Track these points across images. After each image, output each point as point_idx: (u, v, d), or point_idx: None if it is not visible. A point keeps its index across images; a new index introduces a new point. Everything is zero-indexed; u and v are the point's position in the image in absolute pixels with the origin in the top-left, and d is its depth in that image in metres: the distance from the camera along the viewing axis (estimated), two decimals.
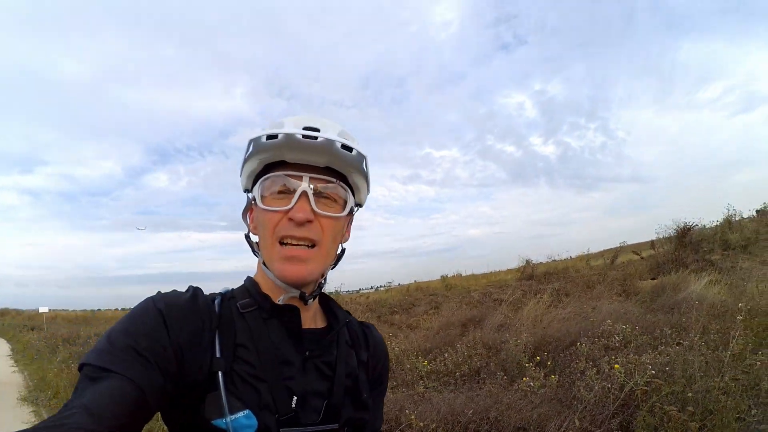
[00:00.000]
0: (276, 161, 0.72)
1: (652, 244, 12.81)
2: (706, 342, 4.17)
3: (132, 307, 0.65)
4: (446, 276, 16.53)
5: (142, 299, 0.66)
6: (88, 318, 31.75)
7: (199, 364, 0.64)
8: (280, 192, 0.71)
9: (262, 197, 0.72)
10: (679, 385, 3.33)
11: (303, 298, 0.74)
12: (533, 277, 13.47)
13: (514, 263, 15.88)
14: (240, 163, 0.77)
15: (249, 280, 0.79)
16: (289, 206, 0.69)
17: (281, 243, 0.70)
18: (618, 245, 15.91)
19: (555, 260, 15.69)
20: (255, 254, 0.78)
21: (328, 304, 0.85)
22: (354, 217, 0.83)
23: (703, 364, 3.60)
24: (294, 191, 0.70)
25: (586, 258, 15.74)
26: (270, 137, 0.69)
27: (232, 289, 0.78)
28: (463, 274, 17.42)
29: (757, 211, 12.67)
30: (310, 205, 0.69)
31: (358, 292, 19.30)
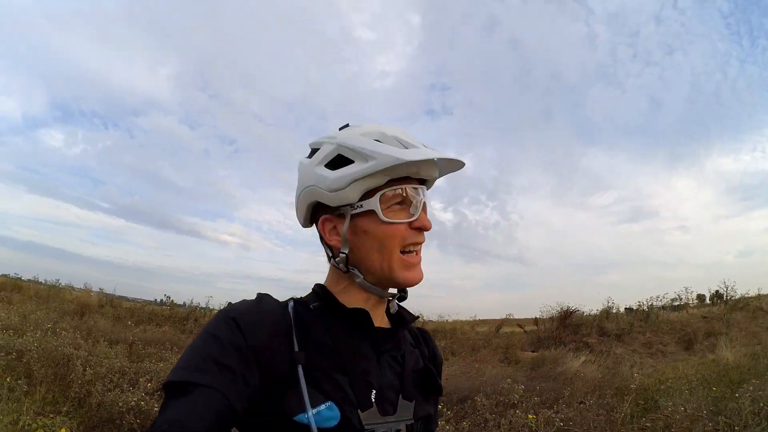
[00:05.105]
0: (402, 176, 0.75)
1: (535, 320, 13.98)
2: (600, 405, 4.47)
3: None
4: None
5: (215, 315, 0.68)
6: None
7: (278, 361, 0.65)
8: (398, 204, 0.74)
9: (383, 210, 0.74)
10: None
11: (400, 298, 0.82)
12: None
13: None
14: (346, 178, 0.73)
15: (319, 286, 0.81)
16: (415, 216, 0.75)
17: (402, 252, 0.74)
18: (504, 317, 16.98)
19: (445, 320, 16.20)
20: (344, 267, 0.76)
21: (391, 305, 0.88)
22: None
23: (600, 421, 3.81)
24: (411, 202, 0.75)
25: (472, 324, 16.53)
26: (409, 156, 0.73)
27: (301, 297, 0.80)
28: None
29: (626, 309, 14.48)
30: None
31: None
